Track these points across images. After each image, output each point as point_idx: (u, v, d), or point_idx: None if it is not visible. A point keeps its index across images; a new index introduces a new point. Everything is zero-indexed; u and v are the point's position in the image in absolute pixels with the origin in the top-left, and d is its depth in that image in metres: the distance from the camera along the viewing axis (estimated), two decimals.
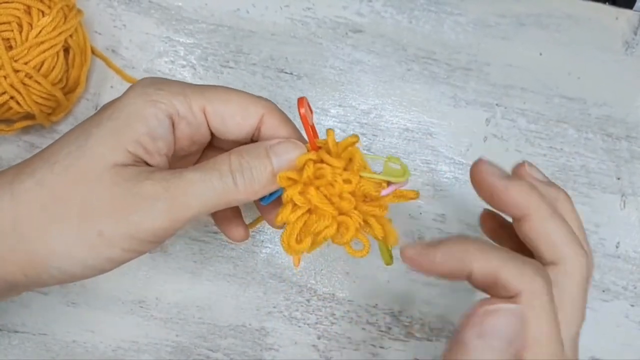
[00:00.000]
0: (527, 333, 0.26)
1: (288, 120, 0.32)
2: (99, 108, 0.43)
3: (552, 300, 0.26)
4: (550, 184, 0.32)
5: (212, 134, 0.32)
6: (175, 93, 0.30)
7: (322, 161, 0.30)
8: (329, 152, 0.30)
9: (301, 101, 0.29)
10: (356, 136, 0.30)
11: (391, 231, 0.30)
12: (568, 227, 0.29)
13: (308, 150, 0.31)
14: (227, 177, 0.29)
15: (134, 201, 0.28)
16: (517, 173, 0.32)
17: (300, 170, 0.29)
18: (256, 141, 0.32)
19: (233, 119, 0.31)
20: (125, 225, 0.28)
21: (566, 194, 0.32)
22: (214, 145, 0.35)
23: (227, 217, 0.37)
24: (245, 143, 0.32)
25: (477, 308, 0.25)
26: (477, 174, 0.30)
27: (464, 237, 0.28)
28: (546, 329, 0.26)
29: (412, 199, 0.32)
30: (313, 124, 0.31)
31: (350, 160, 0.30)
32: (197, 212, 0.29)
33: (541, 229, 0.29)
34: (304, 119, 0.29)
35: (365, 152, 0.31)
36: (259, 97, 0.32)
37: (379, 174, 0.30)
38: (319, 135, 0.32)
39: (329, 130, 0.30)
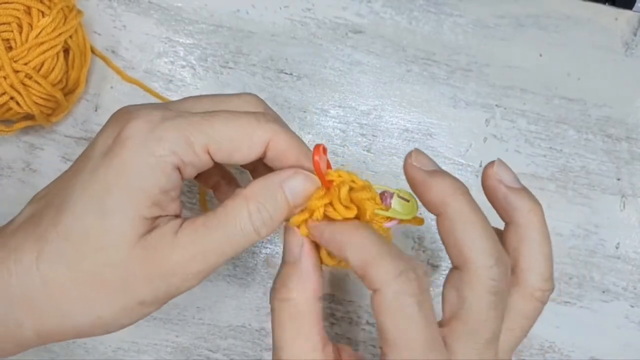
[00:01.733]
0: (390, 333, 0.26)
1: (295, 140, 0.31)
2: (98, 109, 0.44)
3: (422, 301, 0.26)
4: (519, 190, 0.31)
5: None
6: (176, 141, 0.29)
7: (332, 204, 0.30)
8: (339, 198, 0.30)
9: (317, 149, 0.29)
10: (369, 189, 0.30)
11: None
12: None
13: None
14: (248, 227, 0.29)
15: (167, 273, 0.28)
16: (485, 173, 0.31)
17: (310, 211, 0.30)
18: (263, 160, 0.31)
19: (239, 152, 0.30)
20: (164, 292, 0.29)
21: (537, 204, 0.31)
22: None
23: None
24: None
25: None
26: (405, 163, 0.30)
27: (354, 223, 0.29)
28: (408, 331, 0.26)
29: (417, 225, 0.32)
30: (325, 169, 0.30)
31: (360, 208, 0.30)
32: (224, 263, 0.30)
33: (451, 231, 0.28)
34: (316, 165, 0.29)
35: (375, 184, 0.30)
36: (261, 118, 0.31)
37: (388, 209, 0.30)
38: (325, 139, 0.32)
39: (340, 185, 0.30)
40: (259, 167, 0.35)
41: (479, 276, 0.27)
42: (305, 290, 0.29)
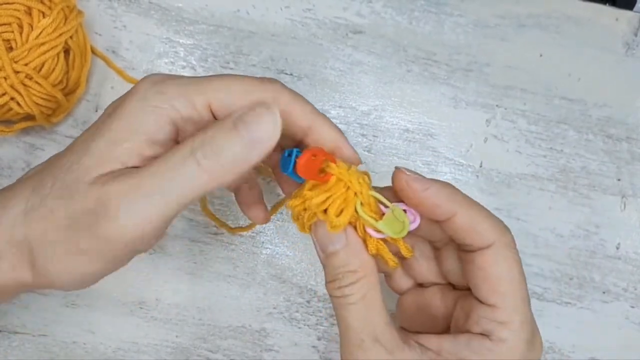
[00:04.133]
0: (498, 280, 0.29)
1: (300, 99, 0.31)
2: (99, 109, 0.44)
3: (518, 253, 0.30)
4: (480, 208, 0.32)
5: None
6: (177, 94, 0.29)
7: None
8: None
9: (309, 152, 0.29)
10: (366, 191, 0.30)
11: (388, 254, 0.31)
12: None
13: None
14: (189, 157, 0.26)
15: (99, 210, 0.27)
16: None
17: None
18: None
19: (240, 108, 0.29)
20: (96, 238, 0.27)
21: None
22: None
23: (249, 202, 0.37)
24: None
25: None
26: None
27: (450, 184, 0.31)
28: (517, 274, 0.29)
29: (404, 253, 0.32)
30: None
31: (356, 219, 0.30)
32: (169, 209, 0.27)
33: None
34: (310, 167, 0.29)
35: (375, 193, 0.30)
36: (265, 80, 0.30)
37: (379, 221, 0.30)
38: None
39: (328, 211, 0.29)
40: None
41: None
42: (367, 266, 0.30)
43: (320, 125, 0.31)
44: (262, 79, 0.30)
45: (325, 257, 0.30)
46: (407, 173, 0.30)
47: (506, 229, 0.30)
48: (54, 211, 0.28)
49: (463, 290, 0.33)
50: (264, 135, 0.26)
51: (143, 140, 0.28)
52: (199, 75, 0.45)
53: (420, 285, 0.35)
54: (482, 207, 0.31)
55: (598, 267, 0.45)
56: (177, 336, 0.43)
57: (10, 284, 0.29)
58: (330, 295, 0.30)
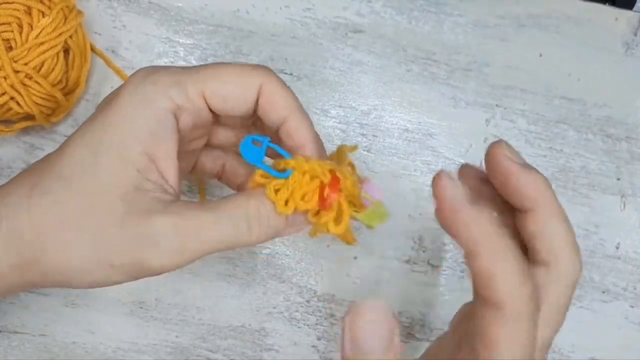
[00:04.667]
0: (501, 342, 0.24)
1: (285, 89, 0.31)
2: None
3: (536, 318, 0.25)
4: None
5: (213, 114, 0.32)
6: (170, 84, 0.29)
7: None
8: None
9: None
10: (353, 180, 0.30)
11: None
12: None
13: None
14: (242, 224, 0.28)
15: (144, 239, 0.28)
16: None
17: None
18: (257, 114, 0.31)
19: (233, 95, 0.30)
20: (134, 261, 0.28)
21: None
22: (218, 123, 0.35)
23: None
24: (248, 118, 0.32)
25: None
26: (495, 156, 0.28)
27: (495, 217, 0.26)
28: (521, 344, 0.25)
29: (347, 242, 0.32)
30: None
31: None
32: (205, 254, 0.28)
33: (544, 227, 0.27)
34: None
35: (363, 192, 0.30)
36: (255, 67, 0.31)
37: (360, 214, 0.30)
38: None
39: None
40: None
41: (571, 273, 0.27)
42: None
43: (295, 121, 0.31)
44: (254, 66, 0.31)
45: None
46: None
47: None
48: (80, 222, 0.28)
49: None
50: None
51: (148, 139, 0.29)
52: None
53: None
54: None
55: (598, 266, 0.45)
56: (177, 336, 0.43)
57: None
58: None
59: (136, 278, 0.29)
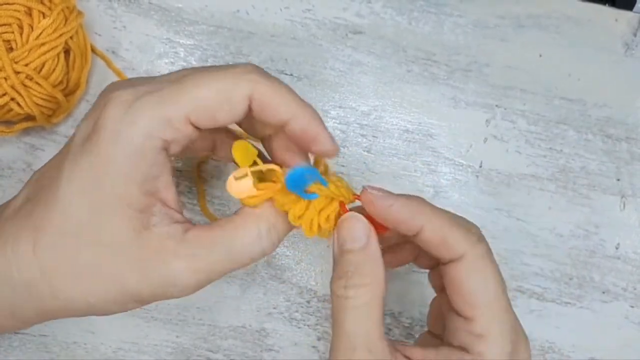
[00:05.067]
0: (471, 292, 0.29)
1: (280, 89, 0.29)
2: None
3: (494, 262, 0.29)
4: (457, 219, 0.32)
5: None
6: (152, 121, 0.27)
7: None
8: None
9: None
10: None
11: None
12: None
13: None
14: (257, 248, 0.29)
15: (162, 281, 0.28)
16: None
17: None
18: (251, 116, 0.30)
19: (222, 113, 0.28)
20: (155, 298, 0.29)
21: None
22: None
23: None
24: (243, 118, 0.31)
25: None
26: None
27: (417, 197, 0.30)
28: (493, 285, 0.29)
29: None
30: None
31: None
32: (221, 277, 0.29)
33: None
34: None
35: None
36: (239, 71, 0.28)
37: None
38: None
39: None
40: (271, 141, 0.33)
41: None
42: (374, 280, 0.29)
43: (301, 119, 0.29)
44: (236, 71, 0.28)
45: (341, 253, 0.30)
46: (373, 192, 0.30)
47: (479, 238, 0.30)
48: (94, 261, 0.28)
49: None
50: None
51: (143, 182, 0.28)
52: None
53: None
54: (454, 217, 0.30)
55: (598, 267, 0.45)
56: (177, 336, 0.43)
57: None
58: (333, 294, 0.30)
59: (152, 302, 0.30)
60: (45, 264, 0.28)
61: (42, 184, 0.30)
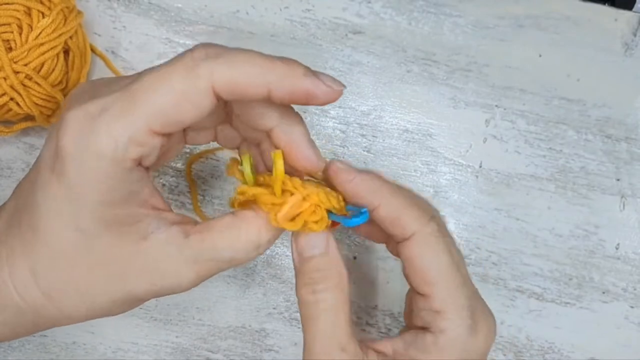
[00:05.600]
0: (425, 268, 0.30)
1: (239, 64, 0.26)
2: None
3: (446, 239, 0.30)
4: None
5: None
6: (114, 142, 0.25)
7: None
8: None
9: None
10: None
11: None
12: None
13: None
14: (252, 246, 0.29)
15: (169, 279, 0.28)
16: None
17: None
18: (227, 106, 0.30)
19: (184, 112, 0.26)
20: (160, 292, 0.29)
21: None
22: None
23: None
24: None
25: None
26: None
27: (379, 175, 0.31)
28: (445, 261, 0.30)
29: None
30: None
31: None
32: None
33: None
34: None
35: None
36: (192, 65, 0.25)
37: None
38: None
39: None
40: (266, 143, 0.32)
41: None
42: (340, 282, 0.30)
43: (279, 82, 0.26)
44: (186, 63, 0.25)
45: (301, 261, 0.30)
46: (338, 165, 0.30)
47: (432, 216, 0.30)
48: (93, 277, 0.28)
49: None
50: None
51: (121, 201, 0.27)
52: None
53: None
54: (411, 197, 0.31)
55: (597, 267, 0.45)
56: (177, 336, 0.43)
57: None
58: (300, 302, 0.30)
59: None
60: (45, 286, 0.28)
61: (25, 202, 0.29)
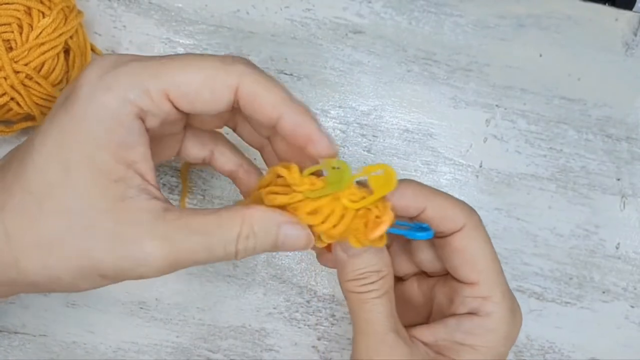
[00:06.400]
0: (474, 257, 0.31)
1: (268, 86, 0.28)
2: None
3: (486, 231, 0.32)
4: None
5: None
6: (128, 87, 0.27)
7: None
8: None
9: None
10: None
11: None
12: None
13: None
14: (231, 248, 0.28)
15: (134, 259, 0.27)
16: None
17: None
18: (236, 110, 0.29)
19: (202, 97, 0.27)
20: (124, 275, 0.27)
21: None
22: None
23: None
24: (227, 112, 0.30)
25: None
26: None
27: (413, 180, 0.32)
28: (490, 250, 0.32)
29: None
30: None
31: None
32: (188, 267, 0.28)
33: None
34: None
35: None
36: (228, 61, 0.28)
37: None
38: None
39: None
40: (268, 148, 0.33)
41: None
42: (389, 266, 0.32)
43: (291, 118, 0.28)
44: (225, 59, 0.28)
45: (348, 257, 0.31)
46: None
47: (472, 210, 0.32)
48: (65, 238, 0.27)
49: (438, 277, 0.35)
50: (291, 249, 0.30)
51: (116, 148, 0.27)
52: None
53: (400, 279, 0.37)
54: (446, 194, 0.32)
55: (598, 266, 0.45)
56: (177, 336, 0.43)
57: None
58: (350, 292, 0.31)
59: (121, 281, 0.29)
60: (9, 228, 0.27)
61: (19, 149, 0.29)
